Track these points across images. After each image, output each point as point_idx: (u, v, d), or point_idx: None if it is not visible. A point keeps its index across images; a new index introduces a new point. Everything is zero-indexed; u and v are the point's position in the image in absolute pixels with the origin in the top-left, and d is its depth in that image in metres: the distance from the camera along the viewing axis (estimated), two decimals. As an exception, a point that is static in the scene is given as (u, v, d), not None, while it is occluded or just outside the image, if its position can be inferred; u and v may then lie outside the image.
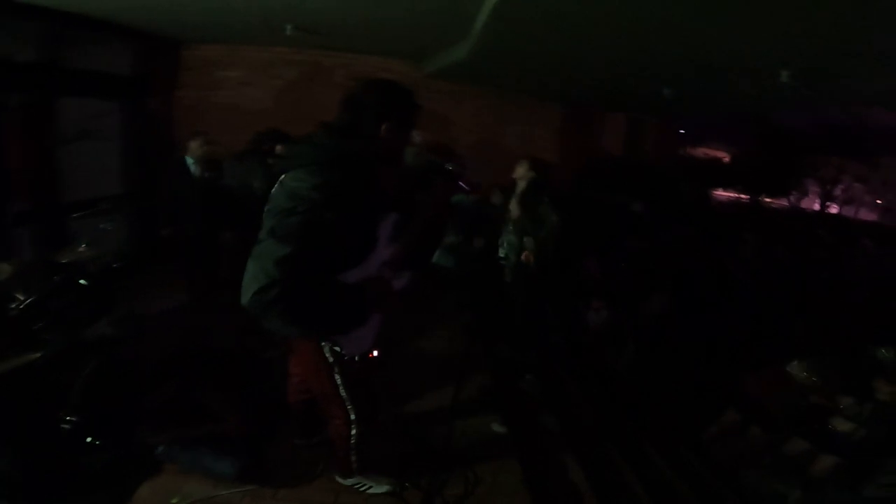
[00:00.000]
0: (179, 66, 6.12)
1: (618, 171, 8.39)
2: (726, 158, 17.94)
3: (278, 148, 3.49)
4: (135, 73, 5.59)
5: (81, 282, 2.35)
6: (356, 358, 1.65)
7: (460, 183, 1.86)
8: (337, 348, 1.60)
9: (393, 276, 1.62)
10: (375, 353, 1.74)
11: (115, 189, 5.26)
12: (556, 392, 3.38)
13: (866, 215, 18.39)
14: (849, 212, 18.55)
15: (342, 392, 1.69)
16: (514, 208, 3.13)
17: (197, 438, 2.09)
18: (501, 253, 3.12)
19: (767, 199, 16.69)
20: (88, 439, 2.00)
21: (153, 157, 5.58)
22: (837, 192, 18.37)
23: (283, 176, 1.42)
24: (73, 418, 2.00)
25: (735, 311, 4.58)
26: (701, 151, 17.70)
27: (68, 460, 1.93)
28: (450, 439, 2.25)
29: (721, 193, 16.83)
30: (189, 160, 4.15)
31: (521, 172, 3.26)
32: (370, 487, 2.00)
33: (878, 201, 18.75)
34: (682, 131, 13.61)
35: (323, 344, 1.60)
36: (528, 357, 3.43)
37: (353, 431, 1.78)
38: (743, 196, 16.74)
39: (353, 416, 1.74)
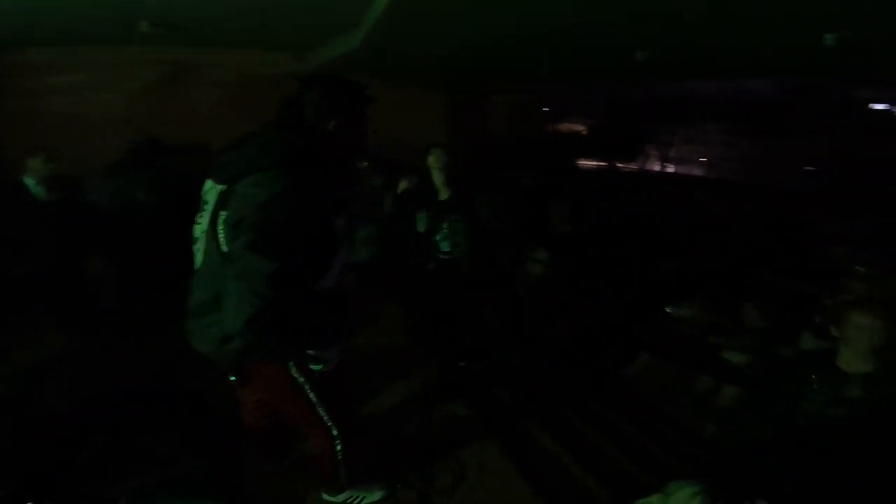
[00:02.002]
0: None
1: (504, 149, 8.93)
2: (584, 131, 20.03)
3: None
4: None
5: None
6: (326, 371, 1.57)
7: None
8: (313, 366, 1.52)
9: (354, 282, 1.59)
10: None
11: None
12: (501, 366, 3.54)
13: (695, 171, 22.01)
14: (682, 169, 22.03)
15: (320, 410, 1.61)
16: (444, 194, 3.13)
17: (160, 484, 1.87)
18: (439, 238, 3.12)
19: (620, 165, 19.05)
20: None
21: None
22: (671, 153, 21.72)
23: (236, 183, 1.28)
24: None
25: (619, 266, 5.17)
26: (564, 126, 19.48)
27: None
28: (425, 431, 2.30)
29: (583, 162, 18.75)
30: (29, 181, 3.42)
31: (434, 161, 3.22)
32: (363, 498, 1.94)
33: (703, 159, 22.58)
34: (545, 109, 14.92)
35: (290, 365, 1.51)
36: (468, 337, 3.53)
37: (339, 447, 1.71)
38: (601, 163, 18.90)
39: (335, 432, 1.67)
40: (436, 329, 3.48)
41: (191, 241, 1.42)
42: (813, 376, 1.97)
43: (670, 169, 21.76)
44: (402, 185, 4.40)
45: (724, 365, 3.09)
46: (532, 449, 2.49)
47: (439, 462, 2.23)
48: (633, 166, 19.61)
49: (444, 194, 3.08)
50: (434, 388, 2.91)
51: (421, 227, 3.17)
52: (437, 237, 3.09)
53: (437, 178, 3.14)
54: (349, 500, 1.92)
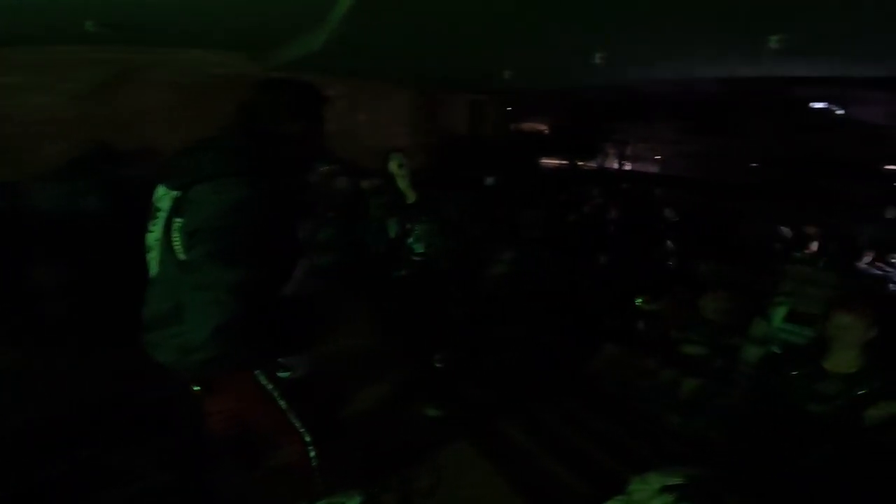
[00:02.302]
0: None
1: (467, 149, 8.99)
2: (546, 131, 20.45)
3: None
4: None
5: None
6: (295, 377, 1.55)
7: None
8: (280, 374, 1.49)
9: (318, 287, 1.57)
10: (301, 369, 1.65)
11: None
12: (470, 364, 3.56)
13: (650, 168, 22.87)
14: (637, 167, 22.84)
15: (291, 417, 1.58)
16: (411, 197, 3.11)
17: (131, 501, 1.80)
18: (412, 241, 3.10)
19: (580, 163, 19.55)
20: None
21: None
22: (628, 151, 22.51)
23: (191, 189, 1.24)
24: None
25: (587, 259, 5.31)
26: (527, 126, 19.81)
27: None
28: (401, 433, 2.31)
29: (546, 161, 19.13)
30: None
31: (395, 167, 3.17)
32: None
33: (657, 156, 23.50)
34: (509, 109, 15.13)
35: (257, 373, 1.47)
36: (437, 336, 3.53)
37: (312, 454, 1.67)
38: (563, 162, 19.33)
39: (308, 438, 1.64)
40: (410, 330, 3.45)
41: (144, 249, 1.37)
42: (795, 372, 2.00)
43: (627, 167, 22.53)
44: (364, 185, 4.36)
45: (683, 357, 3.18)
46: (507, 447, 2.51)
47: (417, 464, 2.22)
48: (593, 164, 20.20)
49: (411, 197, 3.06)
50: (408, 389, 2.89)
51: (392, 232, 3.14)
52: (410, 240, 3.07)
53: (402, 183, 3.10)
54: (326, 508, 1.88)
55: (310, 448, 1.64)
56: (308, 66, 5.11)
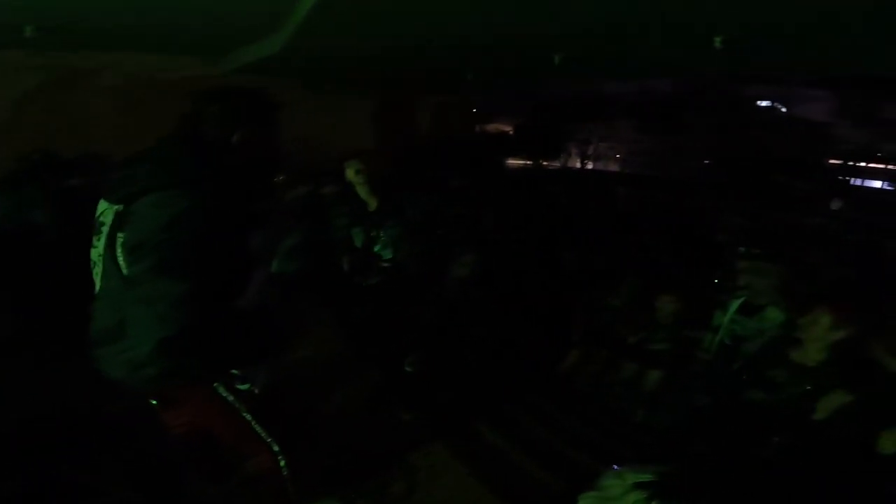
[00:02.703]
0: None
1: (434, 151, 9.00)
2: (511, 131, 20.73)
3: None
4: None
5: None
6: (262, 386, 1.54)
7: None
8: (240, 386, 1.47)
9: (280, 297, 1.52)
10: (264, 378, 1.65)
11: None
12: (440, 366, 3.56)
13: (612, 167, 23.57)
14: (600, 166, 23.49)
15: (257, 428, 1.55)
16: (373, 204, 3.09)
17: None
18: (379, 248, 3.08)
19: (545, 163, 19.94)
20: None
21: None
22: (590, 151, 23.09)
23: (132, 203, 1.21)
24: None
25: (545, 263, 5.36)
26: (492, 127, 20.02)
27: None
28: (373, 439, 2.31)
29: (511, 161, 19.40)
30: None
31: (353, 174, 3.12)
32: None
33: (617, 155, 24.24)
34: (474, 110, 15.29)
35: (216, 385, 1.45)
36: (407, 340, 3.52)
37: (282, 463, 1.64)
38: (527, 162, 19.66)
39: (276, 448, 1.61)
40: (379, 336, 3.43)
41: (90, 264, 1.34)
42: (766, 364, 2.08)
43: (590, 165, 23.12)
44: (325, 191, 4.30)
45: (645, 351, 3.29)
46: (480, 447, 2.53)
47: (391, 469, 2.22)
48: (556, 164, 20.63)
49: (372, 204, 3.04)
50: (380, 394, 2.87)
51: (358, 241, 3.11)
52: (377, 248, 3.05)
53: (362, 191, 3.07)
54: (303, 519, 1.85)
55: (280, 458, 1.62)
56: (267, 70, 4.99)
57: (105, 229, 1.26)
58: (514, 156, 18.84)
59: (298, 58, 4.62)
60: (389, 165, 7.73)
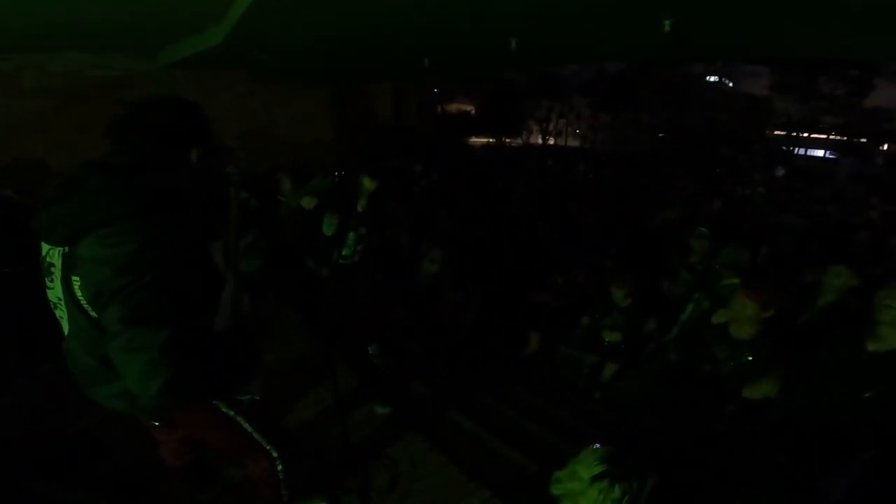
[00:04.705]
0: None
1: (393, 138, 8.88)
2: (472, 111, 20.68)
3: None
4: None
5: None
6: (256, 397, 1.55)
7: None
8: (242, 398, 1.50)
9: (251, 301, 1.50)
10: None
11: None
12: (412, 359, 3.60)
13: (571, 143, 23.97)
14: (561, 142, 23.84)
15: (257, 437, 1.60)
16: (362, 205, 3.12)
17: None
18: (346, 250, 3.08)
19: (507, 140, 20.06)
20: None
21: None
22: (551, 128, 23.38)
23: (77, 244, 1.09)
24: None
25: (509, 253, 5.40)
26: (453, 107, 19.92)
27: None
28: (352, 435, 2.33)
29: (474, 140, 19.41)
30: None
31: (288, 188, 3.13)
32: None
33: (577, 131, 24.64)
34: (435, 90, 15.17)
35: (215, 403, 1.45)
36: (378, 335, 3.54)
37: (280, 467, 1.70)
38: (490, 139, 19.72)
39: (275, 454, 1.67)
40: (343, 332, 3.44)
41: (46, 299, 1.23)
42: (708, 340, 2.22)
43: (551, 142, 23.43)
44: (285, 185, 4.23)
45: (603, 344, 3.40)
46: (457, 435, 2.62)
47: (372, 463, 2.27)
48: (518, 141, 20.81)
49: (362, 206, 3.06)
50: (351, 390, 2.89)
51: (328, 230, 3.08)
52: (345, 246, 3.06)
53: (297, 201, 3.14)
54: (295, 518, 1.89)
55: (277, 463, 1.68)
56: (208, 62, 4.75)
57: (56, 272, 1.15)
58: (479, 134, 18.88)
59: (241, 49, 4.41)
60: (348, 154, 7.61)
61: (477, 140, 19.48)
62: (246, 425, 1.54)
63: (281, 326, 3.69)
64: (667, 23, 4.22)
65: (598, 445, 1.30)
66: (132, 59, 5.29)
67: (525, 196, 7.09)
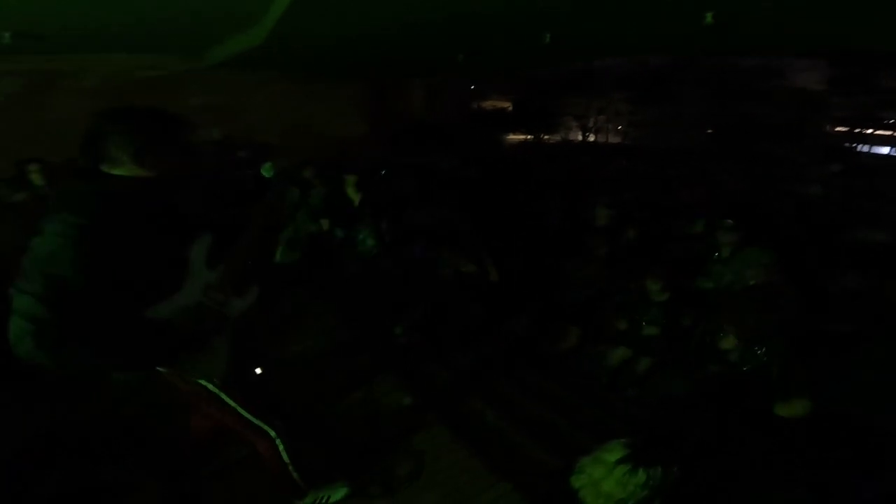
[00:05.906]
0: None
1: (424, 134, 8.91)
2: (509, 108, 20.41)
3: None
4: None
5: None
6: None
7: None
8: (200, 381, 1.56)
9: (227, 297, 1.53)
10: (258, 370, 1.77)
11: None
12: (435, 337, 3.61)
13: (612, 139, 23.27)
14: (601, 138, 23.19)
15: (245, 414, 1.66)
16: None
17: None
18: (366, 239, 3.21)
19: (546, 137, 19.71)
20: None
21: None
22: (590, 124, 22.78)
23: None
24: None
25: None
26: (489, 104, 19.72)
27: None
28: (377, 423, 2.41)
29: (511, 137, 19.18)
30: None
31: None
32: (328, 497, 1.96)
33: (619, 127, 23.88)
34: (472, 87, 15.12)
35: (200, 381, 1.55)
36: (397, 313, 3.59)
37: (281, 446, 1.75)
38: (528, 136, 19.43)
39: (273, 434, 1.72)
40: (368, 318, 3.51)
41: None
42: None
43: (591, 138, 22.84)
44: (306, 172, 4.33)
45: (639, 338, 3.36)
46: (480, 428, 2.62)
47: (397, 452, 2.31)
48: (556, 138, 20.43)
49: (356, 200, 3.18)
50: (377, 374, 2.97)
51: (339, 233, 3.21)
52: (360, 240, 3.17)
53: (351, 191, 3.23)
54: (315, 502, 1.94)
55: (278, 442, 1.73)
56: (250, 63, 4.94)
57: None
58: (513, 132, 18.66)
59: (282, 48, 4.56)
60: (381, 151, 7.70)
61: (514, 137, 19.27)
62: (229, 401, 1.61)
63: (314, 317, 3.79)
64: (708, 14, 4.07)
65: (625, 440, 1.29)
66: (178, 60, 5.54)
67: (561, 194, 6.95)
